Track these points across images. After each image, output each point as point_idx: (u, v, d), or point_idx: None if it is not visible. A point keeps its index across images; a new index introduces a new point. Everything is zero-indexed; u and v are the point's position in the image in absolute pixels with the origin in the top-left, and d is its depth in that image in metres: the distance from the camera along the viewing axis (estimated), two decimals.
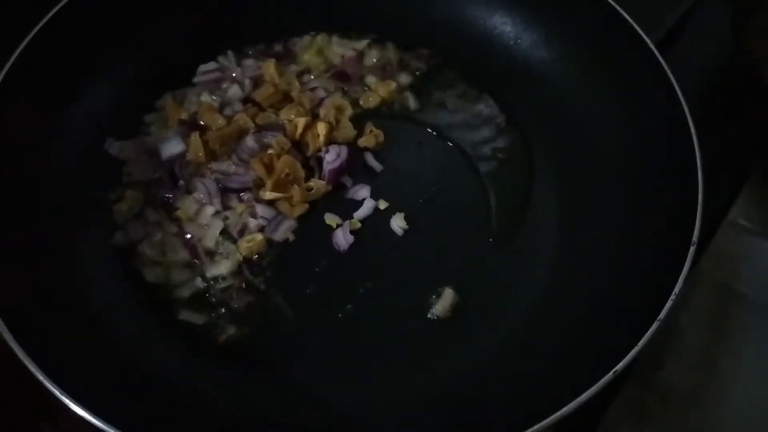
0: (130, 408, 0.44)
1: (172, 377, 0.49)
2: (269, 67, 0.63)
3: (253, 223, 0.57)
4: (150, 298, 0.53)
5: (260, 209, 0.57)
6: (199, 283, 0.55)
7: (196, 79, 0.64)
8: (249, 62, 0.65)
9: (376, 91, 0.65)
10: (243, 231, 0.57)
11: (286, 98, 0.63)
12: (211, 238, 0.56)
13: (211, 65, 0.64)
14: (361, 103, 0.65)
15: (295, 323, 0.53)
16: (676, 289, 0.45)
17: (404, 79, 0.66)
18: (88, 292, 0.51)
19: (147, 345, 0.51)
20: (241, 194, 0.58)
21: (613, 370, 0.42)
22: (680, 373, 0.55)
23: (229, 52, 0.65)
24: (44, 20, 0.56)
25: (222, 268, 0.55)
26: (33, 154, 0.55)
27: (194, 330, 0.53)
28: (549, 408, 0.42)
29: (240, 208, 0.58)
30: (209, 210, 0.57)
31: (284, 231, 0.57)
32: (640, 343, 0.43)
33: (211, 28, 0.65)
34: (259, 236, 0.56)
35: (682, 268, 0.46)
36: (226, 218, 0.57)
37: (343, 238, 0.57)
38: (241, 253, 0.56)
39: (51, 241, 0.52)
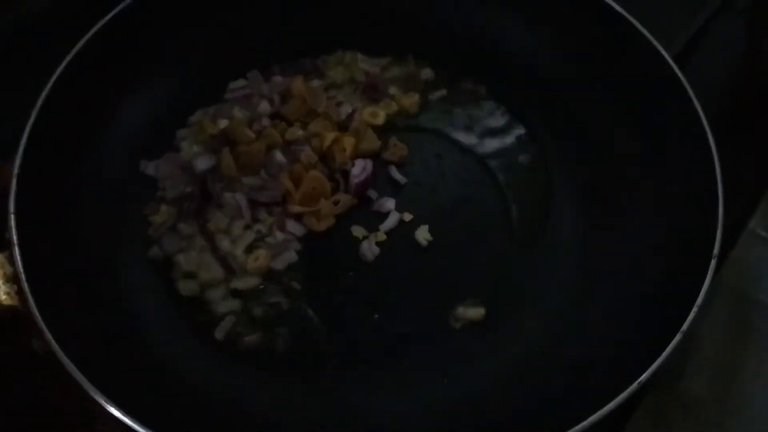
0: (168, 412, 0.46)
1: (206, 384, 0.51)
2: (298, 82, 0.65)
3: (281, 236, 0.59)
4: (186, 310, 0.55)
5: (290, 225, 0.59)
6: (233, 297, 0.56)
7: (227, 96, 0.66)
8: (277, 78, 0.67)
9: (399, 102, 0.66)
10: (271, 244, 0.58)
11: (313, 113, 0.65)
12: (241, 250, 0.58)
13: (241, 82, 0.66)
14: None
15: (324, 333, 0.55)
16: (699, 301, 0.46)
17: (426, 91, 0.68)
18: (129, 304, 0.54)
19: (184, 353, 0.53)
20: (272, 208, 0.60)
21: (638, 381, 0.44)
22: (701, 381, 0.55)
23: (255, 71, 0.67)
24: (82, 42, 0.58)
25: (250, 281, 0.57)
26: (72, 168, 0.57)
27: (227, 340, 0.54)
28: (573, 419, 0.43)
29: (269, 220, 0.59)
30: (240, 223, 0.59)
31: (282, 261, 0.58)
32: (664, 354, 0.44)
33: (241, 47, 0.67)
34: (264, 252, 0.57)
35: (704, 280, 0.47)
36: (258, 231, 0.59)
37: (369, 250, 0.58)
38: (250, 270, 0.57)
39: (91, 255, 0.54)
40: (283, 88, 0.66)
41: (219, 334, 0.54)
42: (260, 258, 0.57)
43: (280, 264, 0.58)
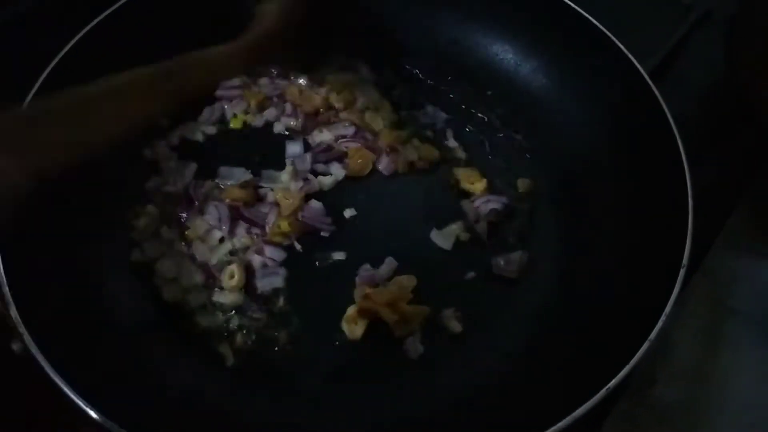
0: (149, 416, 0.47)
1: (187, 389, 0.52)
2: (293, 91, 0.67)
3: (257, 260, 0.58)
4: (169, 315, 0.56)
5: (269, 250, 0.59)
6: (216, 309, 0.57)
7: (218, 93, 0.67)
8: (263, 81, 0.68)
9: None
10: (247, 266, 0.58)
11: None
12: (215, 261, 0.58)
13: (234, 81, 0.67)
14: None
15: (310, 344, 0.55)
16: (667, 311, 0.47)
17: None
18: (112, 307, 0.54)
19: (165, 358, 0.53)
20: (252, 229, 0.60)
21: (606, 387, 0.45)
22: (673, 388, 0.56)
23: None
24: (71, 44, 0.59)
25: (232, 297, 0.57)
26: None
27: (212, 347, 0.55)
28: (544, 423, 0.44)
29: (246, 240, 0.59)
30: (217, 234, 0.59)
31: (269, 283, 0.57)
32: (632, 362, 0.45)
33: None
34: (239, 271, 0.57)
35: (673, 290, 0.48)
36: (233, 245, 0.59)
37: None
38: (226, 288, 0.57)
39: (74, 259, 0.54)
40: (273, 93, 0.67)
41: (229, 361, 0.54)
42: (236, 277, 0.57)
43: (266, 287, 0.57)
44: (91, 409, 0.44)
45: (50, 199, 0.55)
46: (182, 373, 0.53)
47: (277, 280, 0.58)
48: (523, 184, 0.64)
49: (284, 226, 0.59)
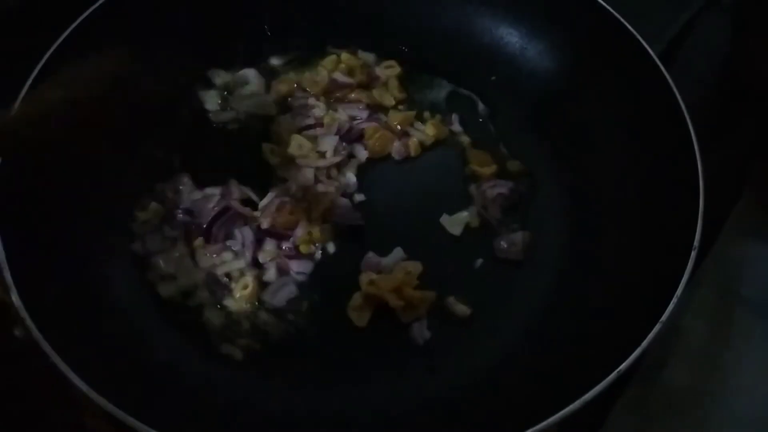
0: (152, 401, 0.46)
1: (194, 377, 0.51)
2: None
3: (273, 274, 0.55)
4: (172, 304, 0.55)
5: (295, 264, 0.56)
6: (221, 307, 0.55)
7: None
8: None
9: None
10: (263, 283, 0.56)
11: None
12: (222, 273, 0.56)
13: None
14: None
15: (315, 329, 0.55)
16: (678, 292, 0.46)
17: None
18: (114, 294, 0.54)
19: (169, 345, 0.53)
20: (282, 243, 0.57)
21: (617, 370, 0.44)
22: (683, 372, 0.56)
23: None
24: (63, 36, 0.58)
25: (242, 305, 0.55)
26: (55, 157, 0.56)
27: (216, 339, 0.54)
28: (554, 407, 0.43)
29: (272, 253, 0.56)
30: (230, 254, 0.57)
31: (282, 297, 0.55)
32: (644, 344, 0.45)
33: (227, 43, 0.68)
34: (253, 282, 0.55)
35: (684, 271, 0.47)
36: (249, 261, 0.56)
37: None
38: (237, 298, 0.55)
39: (76, 244, 0.54)
40: None
41: (237, 356, 0.53)
42: (249, 289, 0.55)
43: (278, 301, 0.55)
44: (95, 393, 0.43)
45: (53, 183, 0.55)
46: (187, 362, 0.52)
47: (293, 290, 0.55)
48: (525, 167, 0.63)
49: (315, 233, 0.57)
